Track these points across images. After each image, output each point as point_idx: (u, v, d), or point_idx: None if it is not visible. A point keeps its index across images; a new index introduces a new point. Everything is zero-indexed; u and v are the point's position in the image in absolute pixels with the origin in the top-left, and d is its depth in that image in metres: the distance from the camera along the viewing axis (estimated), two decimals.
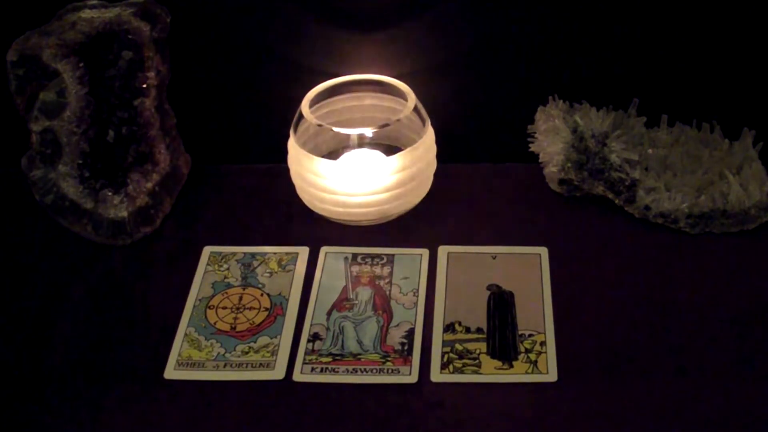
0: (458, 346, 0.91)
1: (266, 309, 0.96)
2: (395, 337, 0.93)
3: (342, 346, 0.92)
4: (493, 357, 0.90)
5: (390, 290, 0.97)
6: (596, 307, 0.95)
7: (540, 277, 0.98)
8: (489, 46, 1.10)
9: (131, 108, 1.03)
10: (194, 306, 0.96)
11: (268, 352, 0.92)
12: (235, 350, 0.92)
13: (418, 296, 0.97)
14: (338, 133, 1.02)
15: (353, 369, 0.90)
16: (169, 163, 1.06)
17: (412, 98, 1.04)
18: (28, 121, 1.01)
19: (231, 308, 0.96)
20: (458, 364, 0.90)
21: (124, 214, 1.03)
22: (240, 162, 1.15)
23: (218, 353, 0.92)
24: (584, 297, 0.96)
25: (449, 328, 0.93)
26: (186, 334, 0.93)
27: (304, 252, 1.02)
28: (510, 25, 1.08)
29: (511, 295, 0.96)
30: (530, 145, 1.08)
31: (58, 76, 0.99)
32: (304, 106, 1.04)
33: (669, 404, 0.85)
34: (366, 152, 1.05)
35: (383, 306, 0.96)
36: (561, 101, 1.08)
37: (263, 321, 0.95)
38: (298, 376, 0.89)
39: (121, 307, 0.97)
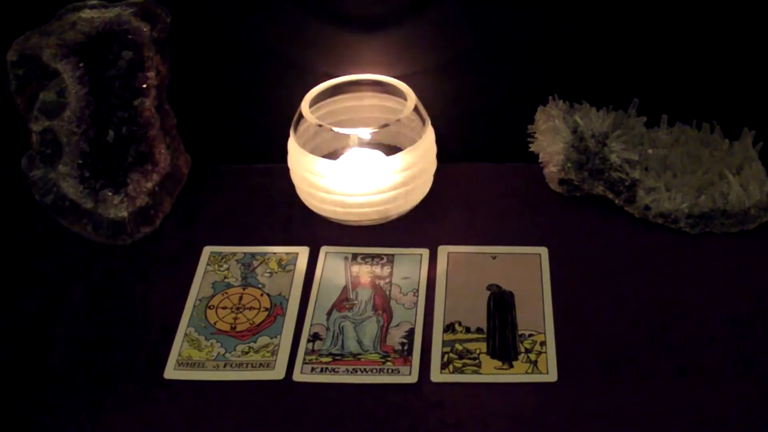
0: (458, 346, 0.91)
1: (266, 309, 0.96)
2: (395, 337, 0.93)
3: (342, 346, 0.92)
4: (493, 357, 0.90)
5: (390, 290, 0.97)
6: (596, 307, 0.95)
7: (540, 277, 0.98)
8: (489, 47, 1.10)
9: (131, 108, 1.03)
10: (194, 306, 0.96)
11: (268, 352, 0.91)
12: (235, 350, 0.92)
13: (418, 296, 0.97)
14: (338, 133, 1.02)
15: (353, 369, 0.90)
16: (169, 163, 1.06)
17: (412, 98, 1.04)
18: (28, 121, 1.02)
19: (231, 308, 0.96)
20: (458, 364, 0.90)
21: (124, 214, 1.03)
22: (240, 162, 1.15)
23: (218, 353, 0.92)
24: (584, 297, 0.96)
25: (449, 328, 0.93)
26: (186, 334, 0.93)
27: (304, 252, 1.02)
28: (510, 26, 1.08)
29: (511, 295, 0.96)
30: (530, 145, 1.08)
31: (58, 76, 0.99)
32: (304, 106, 1.04)
33: (669, 404, 0.85)
34: (366, 152, 1.05)
35: (383, 306, 0.96)
36: (561, 101, 1.08)
37: (263, 321, 0.95)
38: (298, 376, 0.89)
39: (121, 307, 0.97)
